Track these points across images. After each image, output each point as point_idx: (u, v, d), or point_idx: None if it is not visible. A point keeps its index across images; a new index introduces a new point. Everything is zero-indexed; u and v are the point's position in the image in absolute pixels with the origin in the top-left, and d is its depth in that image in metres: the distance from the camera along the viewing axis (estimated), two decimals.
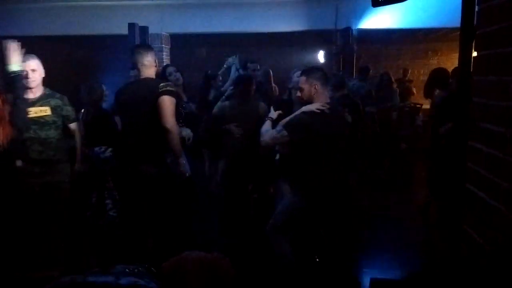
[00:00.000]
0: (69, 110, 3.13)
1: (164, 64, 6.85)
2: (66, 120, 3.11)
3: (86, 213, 3.81)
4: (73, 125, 3.18)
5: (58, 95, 3.13)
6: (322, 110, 2.56)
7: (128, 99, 2.84)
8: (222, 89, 4.46)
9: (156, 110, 2.71)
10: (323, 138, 2.57)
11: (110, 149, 3.71)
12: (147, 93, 2.75)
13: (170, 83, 2.93)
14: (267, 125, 2.72)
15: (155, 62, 2.94)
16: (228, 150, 3.73)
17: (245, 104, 3.69)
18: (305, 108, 2.60)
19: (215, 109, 3.81)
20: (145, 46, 3.16)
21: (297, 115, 2.61)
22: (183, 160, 2.88)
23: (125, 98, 2.85)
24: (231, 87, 3.98)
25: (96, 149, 3.67)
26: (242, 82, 3.71)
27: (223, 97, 3.98)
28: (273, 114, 2.80)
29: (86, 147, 3.73)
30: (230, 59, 4.82)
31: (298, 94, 2.73)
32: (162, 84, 2.77)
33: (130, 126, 2.86)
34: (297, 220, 2.73)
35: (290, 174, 2.96)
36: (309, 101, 2.64)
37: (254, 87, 3.76)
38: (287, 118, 2.63)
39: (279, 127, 2.59)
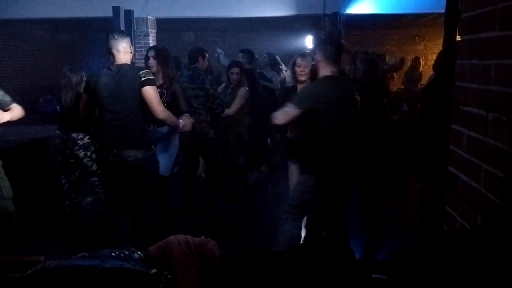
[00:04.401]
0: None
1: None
2: (3, 105, 2.90)
3: (65, 202, 3.81)
4: (14, 106, 2.95)
5: None
6: (329, 77, 2.69)
7: (108, 86, 2.80)
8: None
9: (138, 98, 2.78)
10: (333, 106, 2.62)
11: (87, 136, 3.69)
12: (128, 81, 2.76)
13: (148, 70, 2.92)
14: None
15: (130, 49, 2.91)
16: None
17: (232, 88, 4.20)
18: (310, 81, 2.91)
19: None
20: (121, 32, 3.12)
21: (304, 87, 2.90)
22: (180, 126, 3.10)
23: (105, 84, 2.81)
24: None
25: (74, 135, 3.63)
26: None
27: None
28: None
29: (62, 131, 3.69)
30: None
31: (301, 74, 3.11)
32: (141, 73, 2.78)
33: (111, 113, 2.84)
34: (310, 202, 2.75)
35: (299, 155, 3.14)
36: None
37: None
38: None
39: (287, 104, 2.75)
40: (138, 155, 2.82)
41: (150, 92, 2.77)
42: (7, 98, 2.92)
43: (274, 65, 5.43)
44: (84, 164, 3.70)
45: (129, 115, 2.80)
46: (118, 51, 2.82)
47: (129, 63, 2.91)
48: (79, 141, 3.64)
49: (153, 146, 2.99)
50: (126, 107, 2.79)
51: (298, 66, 3.19)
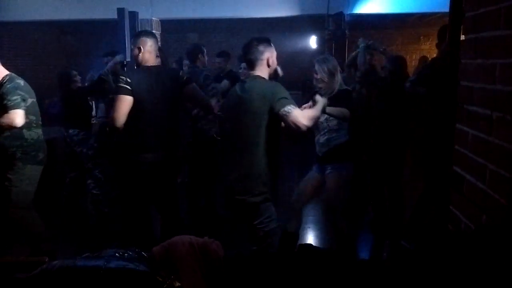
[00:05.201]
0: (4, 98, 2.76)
1: None
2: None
3: (63, 193, 3.91)
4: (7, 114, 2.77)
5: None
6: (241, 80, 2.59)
7: (150, 86, 2.65)
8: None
9: (178, 98, 2.82)
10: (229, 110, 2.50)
11: (83, 132, 3.79)
12: (171, 82, 2.74)
13: (183, 70, 3.07)
14: None
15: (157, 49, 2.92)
16: None
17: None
18: None
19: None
20: (149, 32, 3.06)
21: None
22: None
23: (147, 85, 2.65)
24: None
25: (71, 131, 3.75)
26: None
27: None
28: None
29: (64, 129, 3.82)
30: None
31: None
32: (181, 73, 2.92)
33: (149, 114, 2.67)
34: None
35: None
36: None
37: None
38: None
39: None
40: (171, 156, 2.76)
41: (196, 88, 2.89)
42: (7, 102, 2.74)
43: None
44: (80, 160, 3.79)
45: (169, 116, 2.74)
46: (149, 52, 2.74)
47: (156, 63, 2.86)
48: (74, 137, 3.75)
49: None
50: (167, 108, 2.72)
51: (315, 73, 2.98)
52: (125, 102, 2.57)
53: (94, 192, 3.82)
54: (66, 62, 8.87)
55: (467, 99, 1.45)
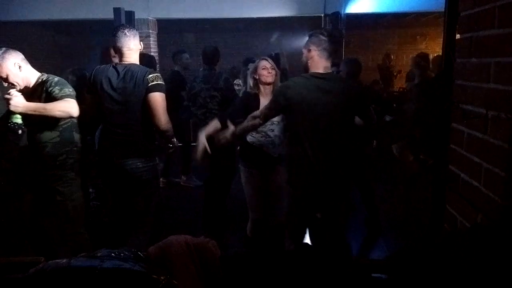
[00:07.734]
0: None
1: (151, 50, 6.80)
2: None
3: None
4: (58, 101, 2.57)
5: None
6: (314, 76, 2.31)
7: (113, 88, 2.52)
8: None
9: (145, 103, 2.50)
10: (311, 107, 2.27)
11: (89, 137, 3.69)
12: (135, 83, 2.48)
13: (158, 73, 2.57)
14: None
15: (141, 45, 2.69)
16: None
17: None
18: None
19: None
20: (131, 27, 2.71)
21: (281, 84, 2.53)
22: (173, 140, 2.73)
23: (109, 86, 2.52)
24: None
25: None
26: None
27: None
28: None
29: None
30: None
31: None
32: (150, 76, 2.47)
33: (114, 118, 2.55)
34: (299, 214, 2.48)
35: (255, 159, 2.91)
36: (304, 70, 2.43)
37: None
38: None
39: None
40: (138, 164, 2.56)
41: (158, 100, 2.48)
42: (58, 93, 2.47)
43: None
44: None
45: (134, 122, 2.53)
46: (129, 49, 2.56)
47: (138, 62, 2.64)
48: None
49: (156, 158, 2.70)
50: (130, 113, 2.51)
51: (263, 69, 2.84)
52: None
53: (94, 202, 3.74)
54: (62, 62, 8.83)
55: (462, 98, 1.45)
